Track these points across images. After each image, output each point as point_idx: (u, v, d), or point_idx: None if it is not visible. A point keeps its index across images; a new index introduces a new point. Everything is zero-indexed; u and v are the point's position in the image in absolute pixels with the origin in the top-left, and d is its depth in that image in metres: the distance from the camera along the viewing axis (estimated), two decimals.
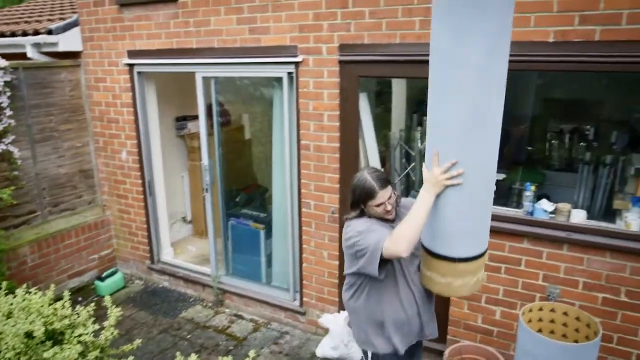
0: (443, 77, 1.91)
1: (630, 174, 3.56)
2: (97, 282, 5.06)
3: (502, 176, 4.22)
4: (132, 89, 4.74)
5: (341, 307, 4.06)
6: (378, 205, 2.29)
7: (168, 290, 5.13)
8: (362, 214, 2.37)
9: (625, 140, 3.91)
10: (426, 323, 2.50)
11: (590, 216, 3.43)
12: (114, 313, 2.29)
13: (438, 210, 2.05)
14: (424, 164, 2.12)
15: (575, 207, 3.56)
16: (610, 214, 3.54)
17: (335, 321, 3.88)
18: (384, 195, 2.28)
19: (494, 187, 2.09)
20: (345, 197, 3.82)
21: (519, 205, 3.62)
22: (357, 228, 2.30)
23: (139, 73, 4.68)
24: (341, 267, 4.01)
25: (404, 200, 2.56)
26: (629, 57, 2.78)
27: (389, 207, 2.31)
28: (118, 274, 5.21)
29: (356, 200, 2.34)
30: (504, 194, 4.16)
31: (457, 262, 2.07)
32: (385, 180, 2.30)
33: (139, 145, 4.90)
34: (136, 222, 5.19)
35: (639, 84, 4.20)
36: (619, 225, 3.30)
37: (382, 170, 2.39)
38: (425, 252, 2.24)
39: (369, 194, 2.27)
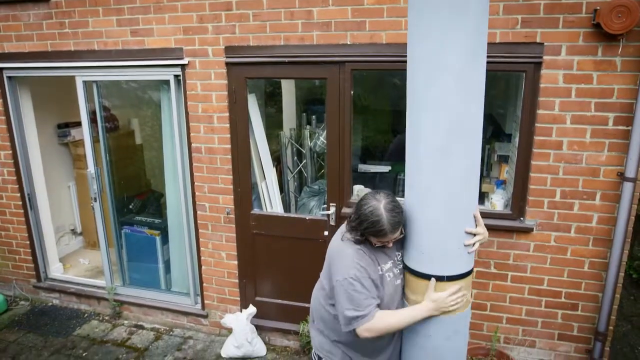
0: (421, 84, 1.86)
1: (494, 160, 4.02)
2: None
3: (387, 168, 4.54)
4: (3, 95, 4.37)
5: (243, 306, 4.11)
6: (381, 241, 2.10)
7: (59, 309, 4.82)
8: (359, 235, 2.13)
9: (489, 131, 4.39)
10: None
11: None
12: None
13: (426, 227, 1.96)
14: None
15: None
16: (480, 197, 3.95)
17: (238, 320, 3.92)
18: (392, 237, 2.07)
19: (477, 199, 2.03)
20: (241, 198, 3.89)
21: (404, 194, 3.91)
22: (347, 265, 2.08)
23: (9, 78, 4.34)
24: (241, 265, 4.05)
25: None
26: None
27: (390, 245, 2.12)
28: None
29: (359, 228, 2.08)
30: (390, 184, 4.48)
31: (446, 280, 2.00)
32: (399, 222, 2.04)
33: (14, 156, 4.53)
34: (17, 238, 4.80)
35: (498, 81, 4.73)
36: (487, 206, 3.72)
37: (398, 202, 2.10)
38: (410, 274, 2.12)
39: (377, 234, 2.04)
